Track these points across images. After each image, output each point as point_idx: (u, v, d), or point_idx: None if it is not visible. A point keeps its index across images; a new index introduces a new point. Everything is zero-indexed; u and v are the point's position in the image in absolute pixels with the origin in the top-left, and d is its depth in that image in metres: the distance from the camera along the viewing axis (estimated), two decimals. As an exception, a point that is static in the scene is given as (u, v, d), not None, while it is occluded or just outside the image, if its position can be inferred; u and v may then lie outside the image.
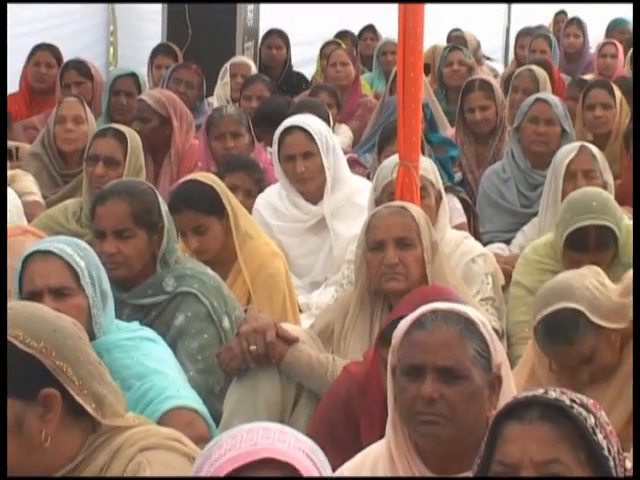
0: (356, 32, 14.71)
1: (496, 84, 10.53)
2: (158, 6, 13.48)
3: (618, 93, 9.56)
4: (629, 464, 3.58)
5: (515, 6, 18.58)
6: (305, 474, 2.91)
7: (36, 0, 12.33)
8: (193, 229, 6.60)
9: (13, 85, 11.33)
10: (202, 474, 2.93)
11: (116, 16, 14.12)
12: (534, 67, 11.78)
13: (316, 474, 2.93)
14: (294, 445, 2.96)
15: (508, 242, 8.16)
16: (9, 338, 3.71)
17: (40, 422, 3.70)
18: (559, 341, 5.64)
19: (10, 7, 10.82)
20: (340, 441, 4.93)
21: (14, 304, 4.12)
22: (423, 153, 7.65)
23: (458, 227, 7.79)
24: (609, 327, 5.56)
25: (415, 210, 6.12)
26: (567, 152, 7.59)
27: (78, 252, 5.24)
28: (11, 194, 7.81)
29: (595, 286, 5.56)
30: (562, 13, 16.84)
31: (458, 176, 9.54)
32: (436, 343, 4.20)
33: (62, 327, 3.88)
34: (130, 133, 7.91)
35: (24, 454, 3.71)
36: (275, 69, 12.77)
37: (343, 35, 14.31)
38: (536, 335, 5.67)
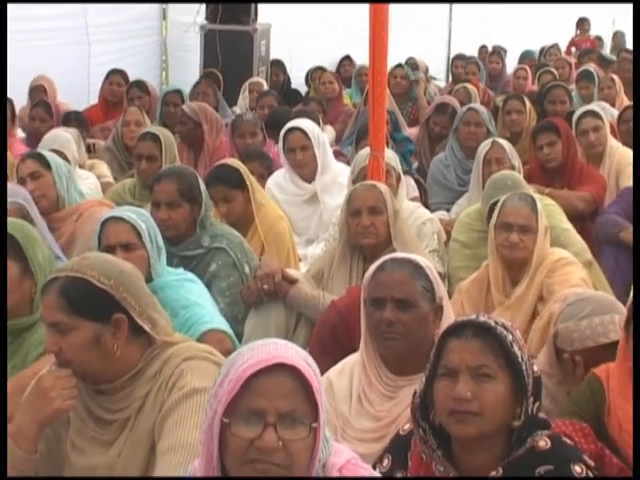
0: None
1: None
2: (197, 41, 13.32)
3: (527, 103, 9.45)
4: (536, 367, 3.50)
5: (454, 39, 18.43)
6: (305, 374, 2.78)
7: (41, 0, 11.84)
8: (223, 199, 6.49)
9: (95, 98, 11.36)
10: (228, 377, 2.76)
11: (167, 48, 14.09)
12: (467, 85, 11.87)
13: (312, 375, 2.81)
14: (296, 354, 2.83)
15: (448, 210, 8.04)
16: (87, 277, 3.71)
17: (112, 339, 3.70)
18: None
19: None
20: (328, 353, 4.80)
21: (91, 254, 4.06)
22: (388, 146, 7.70)
23: (413, 199, 7.69)
24: None
25: (382, 187, 6.06)
26: (484, 146, 7.51)
27: (140, 218, 5.24)
28: (92, 177, 7.81)
29: None
30: (484, 47, 16.84)
31: (415, 164, 9.55)
32: (394, 281, 4.22)
33: (126, 269, 3.87)
34: (163, 134, 7.72)
35: (102, 362, 3.70)
36: (277, 88, 12.67)
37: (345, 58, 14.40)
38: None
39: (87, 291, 3.72)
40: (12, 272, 4.42)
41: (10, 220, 4.79)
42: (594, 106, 9.93)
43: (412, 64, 14.88)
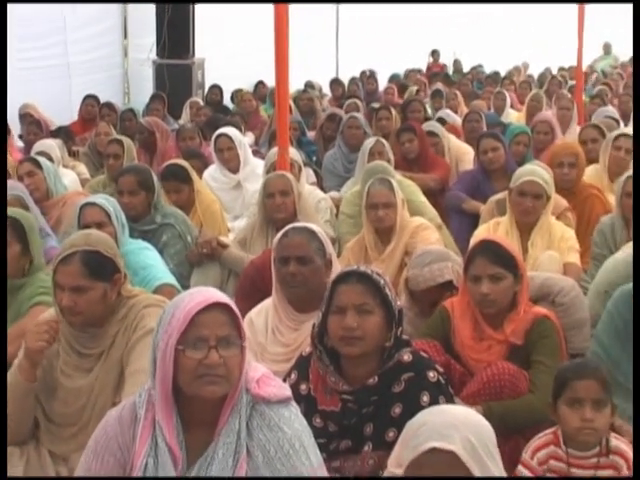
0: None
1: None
2: (150, 72, 13.39)
3: (394, 112, 9.46)
4: (399, 303, 3.53)
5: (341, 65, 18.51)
6: (232, 308, 2.80)
7: (38, 0, 11.75)
8: (174, 190, 6.41)
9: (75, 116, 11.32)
10: (175, 316, 2.75)
11: (128, 78, 14.00)
12: (356, 100, 11.89)
13: (237, 311, 2.82)
14: (225, 297, 2.81)
15: (338, 191, 7.92)
16: (99, 249, 3.74)
17: (111, 292, 3.74)
18: None
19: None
20: (249, 298, 4.71)
21: (91, 232, 4.08)
22: (292, 146, 7.72)
23: (312, 184, 7.69)
24: None
25: (289, 175, 6.06)
26: (369, 142, 7.39)
27: (109, 203, 5.21)
28: (72, 174, 7.75)
29: None
30: (364, 72, 16.87)
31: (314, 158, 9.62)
32: (294, 244, 4.20)
33: (112, 242, 3.97)
34: (125, 139, 7.72)
35: (100, 311, 3.72)
36: (215, 104, 12.62)
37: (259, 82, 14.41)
38: None
39: (100, 260, 3.74)
40: (14, 250, 4.42)
41: (16, 210, 4.79)
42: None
43: (310, 85, 15.01)
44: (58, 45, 12.21)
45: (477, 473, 2.24)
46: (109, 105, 10.77)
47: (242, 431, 2.78)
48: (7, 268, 4.32)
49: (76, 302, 3.68)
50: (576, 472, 3.38)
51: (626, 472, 3.32)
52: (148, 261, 5.20)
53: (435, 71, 19.23)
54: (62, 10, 12.22)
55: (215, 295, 2.83)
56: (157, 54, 13.41)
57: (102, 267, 3.74)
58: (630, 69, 21.32)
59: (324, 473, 2.87)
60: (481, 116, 9.73)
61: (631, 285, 4.30)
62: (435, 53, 20.64)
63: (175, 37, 13.20)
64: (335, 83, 15.13)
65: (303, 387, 3.53)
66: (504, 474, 2.32)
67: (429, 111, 11.50)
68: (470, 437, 2.25)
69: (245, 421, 2.79)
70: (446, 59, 20.87)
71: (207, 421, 2.81)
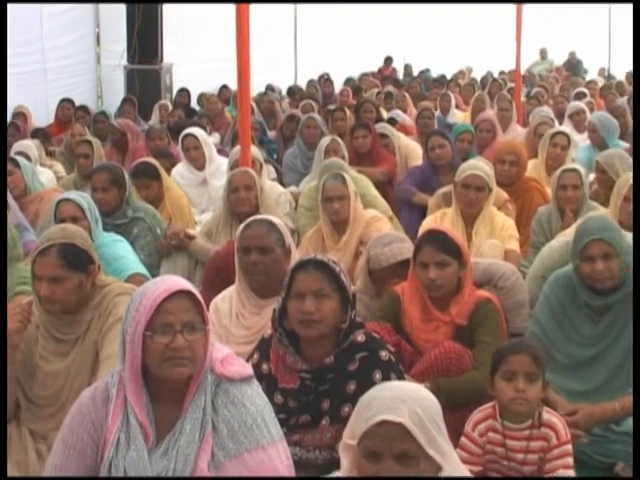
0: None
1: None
2: (122, 77, 13.35)
3: (348, 112, 9.39)
4: (353, 288, 3.55)
5: (299, 70, 18.47)
6: (196, 295, 2.81)
7: (36, 0, 11.75)
8: (144, 186, 6.35)
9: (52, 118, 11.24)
10: (142, 303, 2.76)
11: (101, 82, 13.92)
12: (311, 101, 11.89)
13: (200, 298, 2.82)
14: (188, 285, 2.82)
15: (297, 186, 7.86)
16: (75, 242, 3.74)
17: (86, 282, 3.74)
18: None
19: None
20: (215, 286, 4.71)
21: (67, 226, 4.05)
22: (254, 144, 7.71)
23: (273, 180, 7.70)
24: None
25: (251, 171, 6.01)
26: (325, 141, 7.37)
27: (83, 199, 5.16)
28: (49, 172, 7.72)
29: None
30: (321, 76, 16.86)
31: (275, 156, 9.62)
32: (255, 235, 4.17)
33: (87, 235, 3.96)
34: (94, 141, 7.60)
35: (76, 299, 3.70)
36: (183, 106, 12.57)
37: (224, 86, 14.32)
38: None
39: (75, 252, 3.73)
40: None
41: None
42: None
43: (270, 88, 14.99)
44: (36, 53, 12.15)
45: (424, 443, 2.25)
46: (83, 108, 10.71)
47: (208, 407, 2.80)
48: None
49: (53, 291, 3.68)
50: (510, 443, 3.40)
51: (555, 442, 3.36)
52: (120, 252, 5.16)
53: (387, 75, 19.30)
54: (41, 19, 12.15)
55: (179, 283, 2.83)
56: (128, 60, 13.38)
57: (77, 259, 3.74)
58: (565, 72, 21.53)
59: (284, 446, 2.87)
60: (433, 114, 9.83)
61: (565, 269, 4.35)
62: (389, 60, 20.68)
63: (144, 44, 13.16)
64: (291, 92, 15.05)
65: (265, 367, 3.52)
66: (449, 444, 2.34)
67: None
68: (417, 410, 2.26)
69: (210, 398, 2.81)
70: (397, 64, 20.92)
71: (175, 399, 2.82)
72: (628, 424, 3.86)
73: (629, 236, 4.62)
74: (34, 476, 2.87)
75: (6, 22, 7.60)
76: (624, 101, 11.76)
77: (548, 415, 3.40)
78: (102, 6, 13.65)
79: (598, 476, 3.56)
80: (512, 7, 11.21)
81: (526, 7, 11.38)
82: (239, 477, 2.74)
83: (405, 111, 12.15)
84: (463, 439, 3.43)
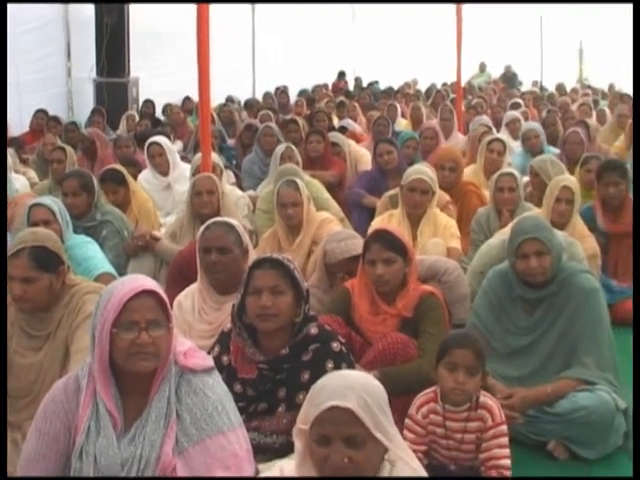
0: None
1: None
2: (91, 89, 13.25)
3: (301, 122, 9.38)
4: (306, 284, 3.50)
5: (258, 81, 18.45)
6: (160, 294, 2.79)
7: (36, 0, 11.64)
8: (112, 191, 6.28)
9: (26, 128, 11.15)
10: (110, 301, 2.75)
11: (72, 94, 13.76)
12: (269, 111, 11.87)
13: (164, 295, 2.81)
14: (153, 283, 2.82)
15: (255, 190, 7.86)
16: (46, 245, 3.72)
17: (56, 282, 3.73)
18: None
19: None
20: (178, 283, 4.65)
21: (38, 230, 4.06)
22: (215, 151, 7.69)
23: (232, 184, 7.63)
24: None
25: (214, 177, 6.00)
26: (280, 148, 7.37)
27: (55, 203, 5.14)
28: (22, 179, 7.65)
29: None
30: (278, 88, 16.76)
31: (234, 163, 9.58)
32: (215, 237, 4.15)
33: (57, 238, 3.95)
34: (67, 148, 7.54)
35: (46, 298, 3.70)
36: (149, 116, 12.49)
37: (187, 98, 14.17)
38: None
39: (46, 254, 3.73)
40: None
41: None
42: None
43: (230, 99, 14.95)
44: (10, 66, 11.97)
45: (371, 427, 2.25)
46: (55, 118, 10.61)
47: (172, 397, 2.79)
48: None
49: (25, 291, 3.67)
50: (450, 424, 3.43)
51: (491, 423, 3.38)
52: (90, 253, 5.12)
53: (339, 87, 19.34)
54: (15, 35, 12.00)
55: (144, 283, 2.82)
56: (97, 74, 13.27)
57: (48, 260, 3.73)
58: (502, 84, 21.69)
59: (244, 432, 2.87)
60: (388, 122, 9.86)
61: (502, 266, 4.39)
62: (342, 74, 20.67)
63: (112, 59, 13.07)
64: (248, 104, 14.98)
65: (225, 358, 3.51)
66: (394, 427, 2.35)
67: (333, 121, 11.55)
68: (364, 396, 2.26)
69: (174, 388, 2.81)
70: (348, 77, 20.94)
71: (141, 390, 2.81)
72: (560, 405, 3.93)
73: (560, 234, 4.69)
74: (34, 476, 2.83)
75: (6, 22, 7.47)
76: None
77: (484, 398, 3.42)
78: (72, 23, 13.49)
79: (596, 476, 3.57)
80: (453, 24, 11.26)
81: (466, 24, 11.45)
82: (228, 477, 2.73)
83: (355, 120, 12.18)
84: (408, 421, 3.45)
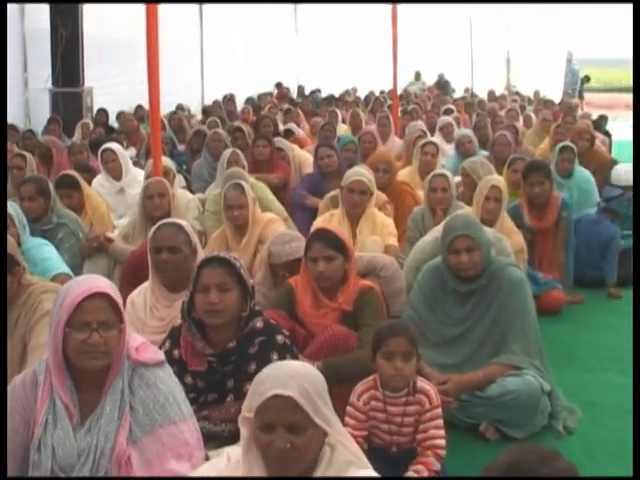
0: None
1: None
2: (47, 98, 13.05)
3: (247, 130, 9.20)
4: (252, 281, 3.48)
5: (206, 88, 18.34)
6: (113, 296, 2.76)
7: (38, 0, 11.49)
8: (66, 196, 6.16)
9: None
10: (65, 301, 2.73)
11: (29, 104, 13.57)
12: (216, 118, 11.80)
13: (117, 297, 2.79)
14: (107, 285, 2.80)
15: (204, 192, 7.67)
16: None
17: (12, 281, 3.69)
18: None
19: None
20: (131, 282, 4.57)
21: None
22: (166, 156, 7.61)
23: (182, 188, 7.42)
24: None
25: (165, 181, 5.93)
26: (227, 153, 7.09)
27: (12, 207, 5.05)
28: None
29: None
30: (225, 96, 16.65)
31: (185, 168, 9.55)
32: (165, 237, 4.12)
33: (14, 242, 3.94)
34: (27, 155, 7.48)
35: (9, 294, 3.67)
36: (103, 124, 12.36)
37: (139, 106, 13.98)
38: None
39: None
40: None
41: None
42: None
43: (180, 107, 14.86)
44: (-31, 78, 11.79)
45: (311, 413, 2.26)
46: (13, 127, 10.40)
47: (125, 390, 2.79)
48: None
49: None
50: (390, 409, 3.44)
51: (428, 406, 3.40)
52: (46, 255, 5.03)
53: (283, 94, 19.34)
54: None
55: (98, 284, 2.80)
56: (52, 84, 13.09)
57: (7, 263, 3.67)
58: (436, 91, 21.85)
59: (194, 421, 2.87)
60: (334, 128, 9.87)
61: (435, 261, 4.44)
62: (279, 85, 20.59)
63: (67, 70, 12.89)
64: (205, 111, 14.84)
65: (175, 352, 3.49)
66: (334, 414, 2.35)
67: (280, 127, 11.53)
68: (304, 385, 2.27)
69: (127, 382, 2.80)
70: (291, 85, 20.93)
71: (96, 384, 2.80)
72: (491, 389, 3.99)
73: (489, 231, 4.75)
74: (34, 476, 2.79)
75: (6, 22, 7.31)
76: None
77: (421, 383, 3.46)
78: (28, 35, 13.34)
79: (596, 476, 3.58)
80: (389, 35, 11.30)
81: (401, 35, 11.51)
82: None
83: (299, 125, 12.18)
84: (349, 408, 3.46)
